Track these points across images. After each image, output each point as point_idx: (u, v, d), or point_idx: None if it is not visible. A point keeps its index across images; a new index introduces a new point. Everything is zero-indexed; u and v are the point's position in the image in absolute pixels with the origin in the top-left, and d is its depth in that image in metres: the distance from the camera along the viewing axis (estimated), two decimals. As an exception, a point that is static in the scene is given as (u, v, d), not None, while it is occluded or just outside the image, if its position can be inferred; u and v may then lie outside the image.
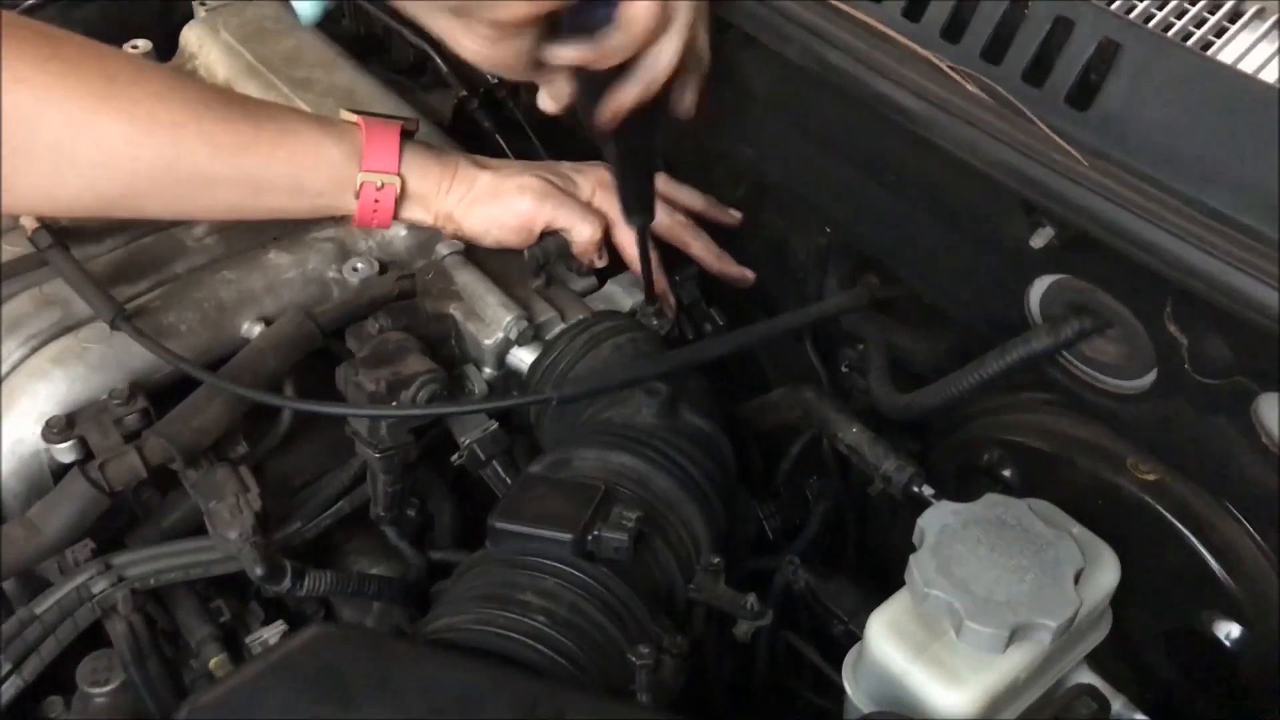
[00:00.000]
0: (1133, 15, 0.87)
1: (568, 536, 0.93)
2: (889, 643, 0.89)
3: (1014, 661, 0.86)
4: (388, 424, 1.12)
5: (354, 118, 1.20)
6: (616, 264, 1.31)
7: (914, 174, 0.97)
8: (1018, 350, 0.96)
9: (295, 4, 0.84)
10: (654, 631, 0.93)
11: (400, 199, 1.17)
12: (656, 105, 1.06)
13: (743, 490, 1.26)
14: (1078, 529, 0.93)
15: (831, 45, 0.90)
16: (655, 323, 1.28)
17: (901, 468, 1.10)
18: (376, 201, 1.15)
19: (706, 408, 1.16)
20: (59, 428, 1.11)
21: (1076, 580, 0.87)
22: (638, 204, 1.19)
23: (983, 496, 0.93)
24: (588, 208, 1.25)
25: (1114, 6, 0.88)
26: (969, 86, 0.87)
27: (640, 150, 1.15)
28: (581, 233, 1.22)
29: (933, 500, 1.04)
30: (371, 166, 1.14)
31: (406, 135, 1.18)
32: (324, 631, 0.84)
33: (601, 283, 1.31)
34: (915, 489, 1.09)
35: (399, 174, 1.15)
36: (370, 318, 1.19)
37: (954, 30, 0.90)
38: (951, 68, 0.88)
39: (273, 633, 1.14)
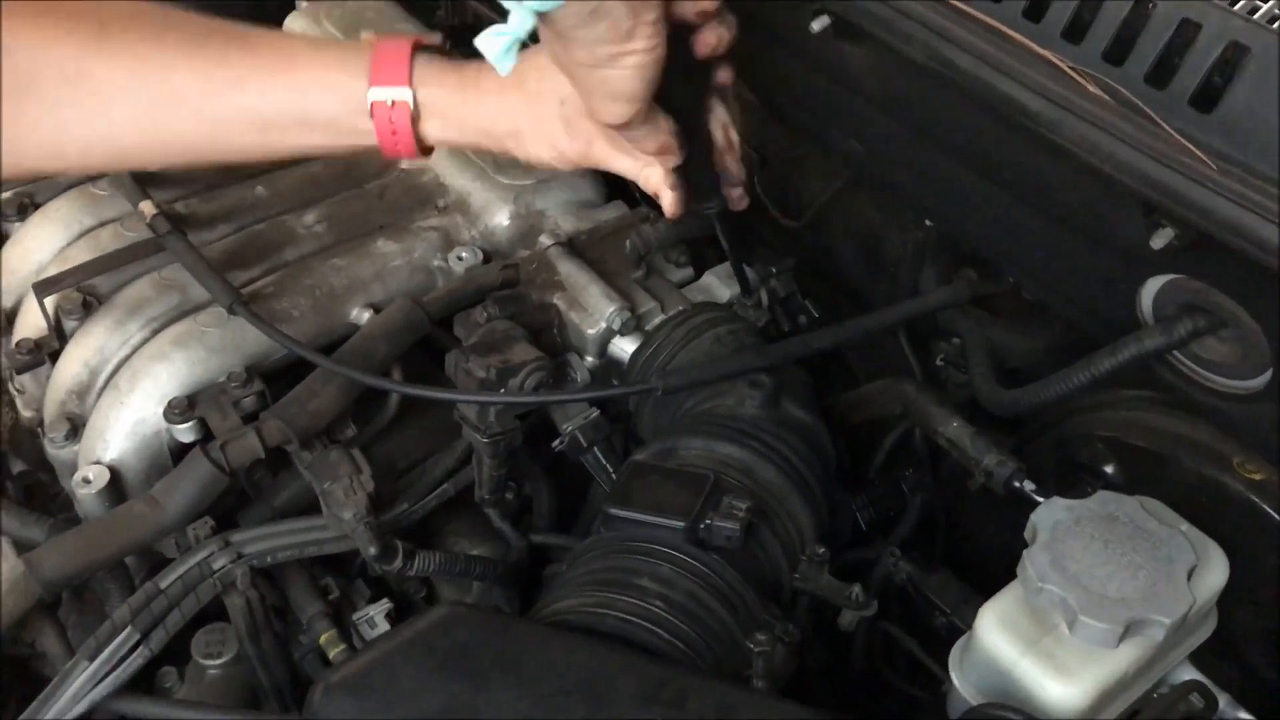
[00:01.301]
0: (1258, 16, 0.87)
1: (681, 524, 0.95)
2: (1000, 635, 0.90)
3: (1125, 657, 0.87)
4: (496, 410, 1.14)
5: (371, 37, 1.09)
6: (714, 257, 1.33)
7: (1030, 172, 0.97)
8: (1130, 349, 0.97)
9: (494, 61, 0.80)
10: (764, 619, 0.95)
11: (416, 116, 1.00)
12: (700, 75, 1.04)
13: (836, 482, 1.28)
14: (1187, 526, 0.94)
15: (954, 45, 0.91)
16: (752, 314, 1.29)
17: (1004, 463, 1.11)
18: (392, 122, 1.00)
19: (807, 400, 1.18)
20: (180, 409, 1.15)
21: (1189, 578, 0.87)
22: (707, 187, 1.12)
23: (1095, 493, 0.94)
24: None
25: (1237, 7, 0.89)
26: (1090, 88, 0.88)
27: (693, 125, 1.04)
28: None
29: (1035, 496, 1.05)
30: (379, 82, 1.00)
31: (422, 49, 1.01)
32: (453, 612, 0.86)
33: (698, 274, 1.33)
34: (1017, 484, 1.10)
35: (410, 87, 0.99)
36: (479, 306, 1.21)
37: (1075, 31, 0.90)
38: (1073, 68, 0.89)
39: (379, 610, 1.18)
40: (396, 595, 1.22)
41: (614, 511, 0.97)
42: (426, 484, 1.24)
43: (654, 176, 1.07)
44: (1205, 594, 0.90)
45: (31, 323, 1.27)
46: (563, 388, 1.18)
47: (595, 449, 1.20)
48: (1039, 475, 1.10)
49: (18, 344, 1.25)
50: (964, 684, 0.94)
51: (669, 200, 1.07)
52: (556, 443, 1.22)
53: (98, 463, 1.16)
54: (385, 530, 1.18)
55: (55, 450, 1.20)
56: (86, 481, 1.14)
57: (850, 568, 1.17)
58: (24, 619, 1.09)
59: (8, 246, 1.34)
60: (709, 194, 1.15)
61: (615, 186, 1.42)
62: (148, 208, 1.27)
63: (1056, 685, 0.87)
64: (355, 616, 1.17)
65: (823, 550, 1.03)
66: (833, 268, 1.45)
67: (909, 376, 1.25)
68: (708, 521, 0.96)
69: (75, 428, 1.20)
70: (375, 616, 1.18)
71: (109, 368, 1.21)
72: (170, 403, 1.15)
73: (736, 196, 1.10)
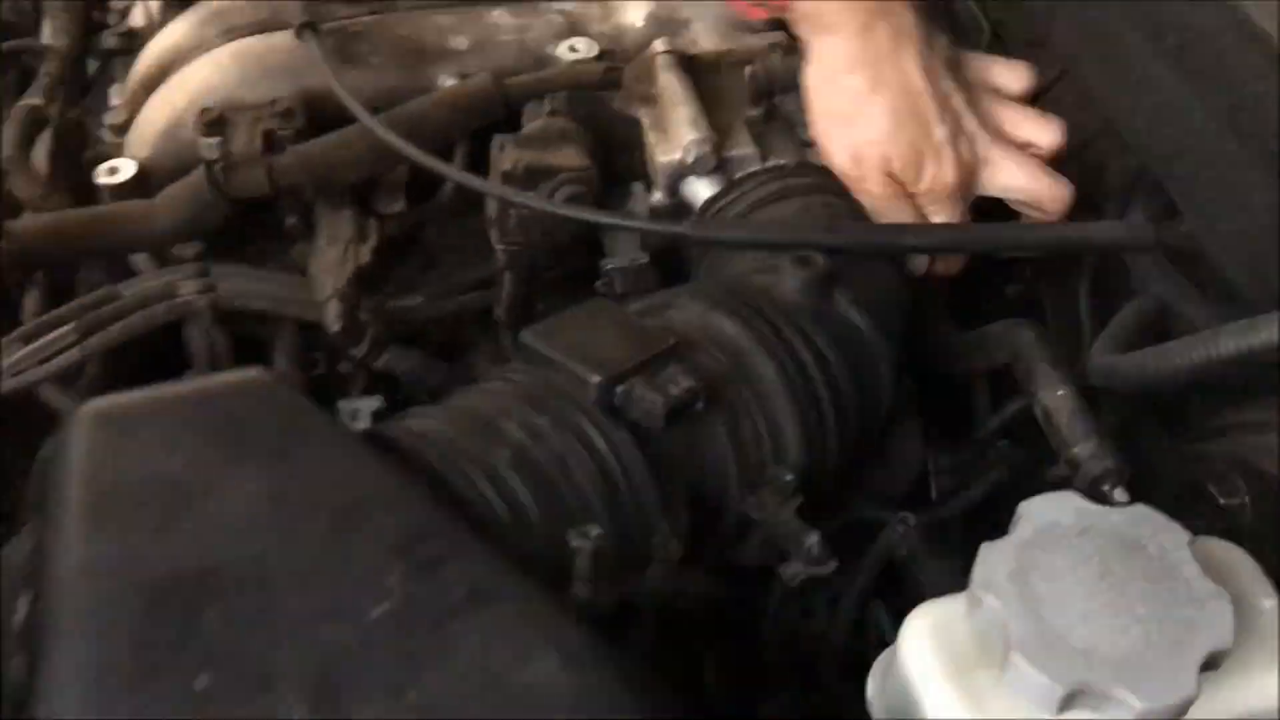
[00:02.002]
0: None
1: (595, 379, 0.75)
2: (926, 647, 0.64)
3: (1071, 737, 0.59)
4: (518, 215, 0.97)
5: None
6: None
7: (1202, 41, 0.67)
8: (1255, 336, 0.66)
9: None
10: (655, 523, 0.74)
11: None
12: None
13: (915, 429, 1.01)
14: (1270, 604, 0.64)
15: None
16: (877, 198, 1.03)
17: (1099, 456, 0.83)
18: None
19: (881, 309, 0.92)
20: (209, 120, 1.05)
21: (1203, 665, 0.58)
22: None
23: (1135, 506, 0.65)
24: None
25: None
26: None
27: None
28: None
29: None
30: None
31: None
32: (262, 381, 0.72)
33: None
34: (1105, 488, 0.82)
35: None
36: (547, 96, 1.04)
37: None
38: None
39: (368, 404, 1.05)
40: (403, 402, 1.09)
41: (526, 340, 0.78)
42: (450, 285, 1.09)
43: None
44: (1237, 706, 0.60)
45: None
46: (589, 209, 0.98)
47: (630, 299, 1.00)
48: (1149, 493, 0.81)
49: (114, 27, 1.20)
50: (877, 702, 0.69)
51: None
52: (599, 282, 1.03)
53: (132, 159, 1.09)
54: (387, 317, 1.05)
55: (109, 139, 1.15)
56: (111, 172, 1.08)
57: (866, 526, 0.93)
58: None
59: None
60: None
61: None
62: (263, -80, 1.17)
63: (967, 736, 0.61)
64: (340, 403, 1.05)
65: (791, 478, 0.79)
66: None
67: (1037, 320, 0.96)
68: (629, 386, 0.75)
69: (131, 121, 1.14)
70: (362, 409, 1.05)
71: (178, 67, 1.13)
72: (201, 111, 1.06)
73: None
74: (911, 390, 1.06)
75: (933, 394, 1.09)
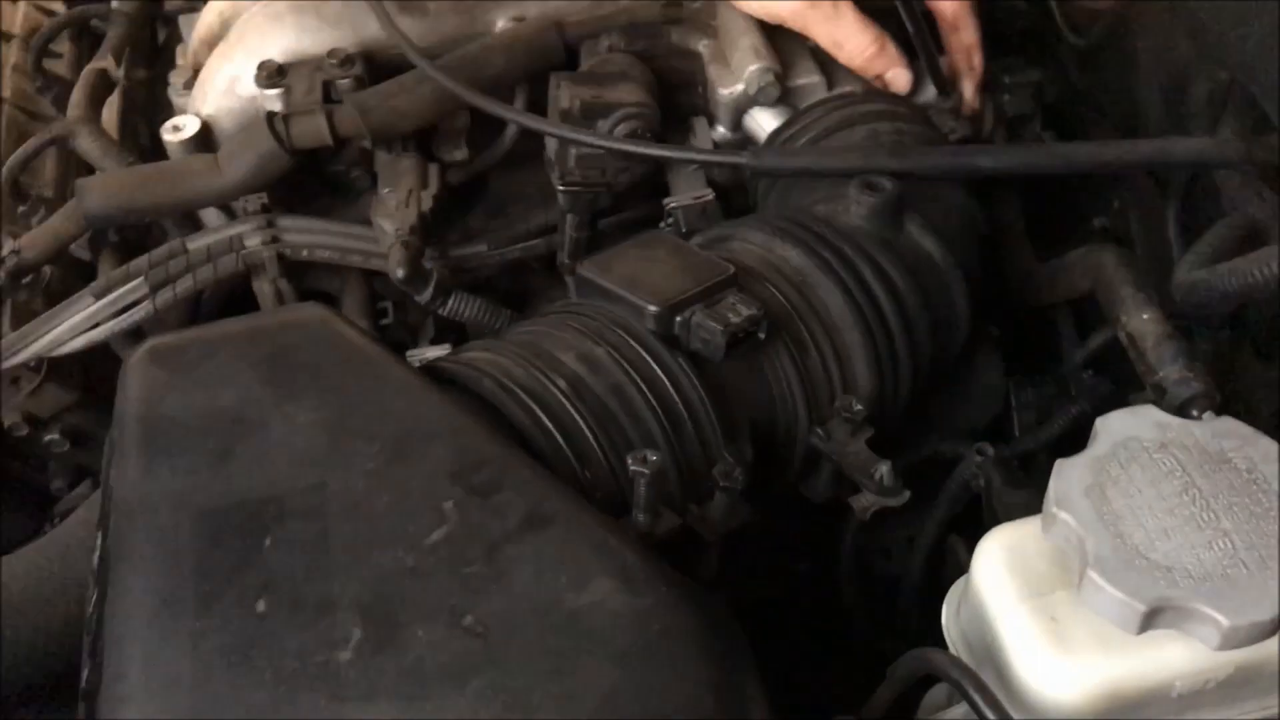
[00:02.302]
0: None
1: (653, 308, 0.73)
2: (1002, 570, 0.62)
3: (1155, 657, 0.56)
4: (577, 154, 0.96)
5: None
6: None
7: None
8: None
9: None
10: (718, 453, 0.72)
11: None
12: None
13: (996, 362, 0.98)
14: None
15: None
16: (951, 124, 1.00)
17: (1186, 380, 0.78)
18: None
19: (954, 235, 0.89)
20: (269, 73, 1.05)
21: (1298, 579, 0.55)
22: None
23: (1220, 419, 0.62)
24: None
25: None
26: None
27: None
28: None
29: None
30: None
31: None
32: (316, 315, 0.71)
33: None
34: (1194, 413, 0.78)
35: None
36: (604, 33, 1.02)
37: None
38: None
39: (435, 352, 1.04)
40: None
41: (583, 272, 0.77)
42: (516, 232, 1.08)
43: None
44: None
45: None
46: (648, 144, 0.96)
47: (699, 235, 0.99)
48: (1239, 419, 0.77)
49: (177, -17, 1.21)
50: (952, 630, 0.67)
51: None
52: (662, 223, 1.02)
53: (196, 115, 1.10)
54: (452, 264, 1.05)
55: (175, 97, 1.16)
56: (176, 129, 1.08)
57: (945, 461, 0.90)
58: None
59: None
60: None
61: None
62: None
63: (1043, 659, 0.58)
64: (409, 353, 1.05)
65: (860, 408, 0.77)
66: (1124, 109, 1.11)
67: (1116, 245, 0.91)
68: (688, 315, 0.73)
69: (195, 79, 1.15)
70: (430, 357, 1.04)
71: (239, 22, 1.13)
72: (261, 64, 1.05)
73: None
74: (993, 323, 1.03)
75: (1017, 328, 1.06)
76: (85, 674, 0.71)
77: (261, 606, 0.56)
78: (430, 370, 0.72)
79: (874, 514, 0.82)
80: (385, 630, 0.55)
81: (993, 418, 0.98)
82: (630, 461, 0.63)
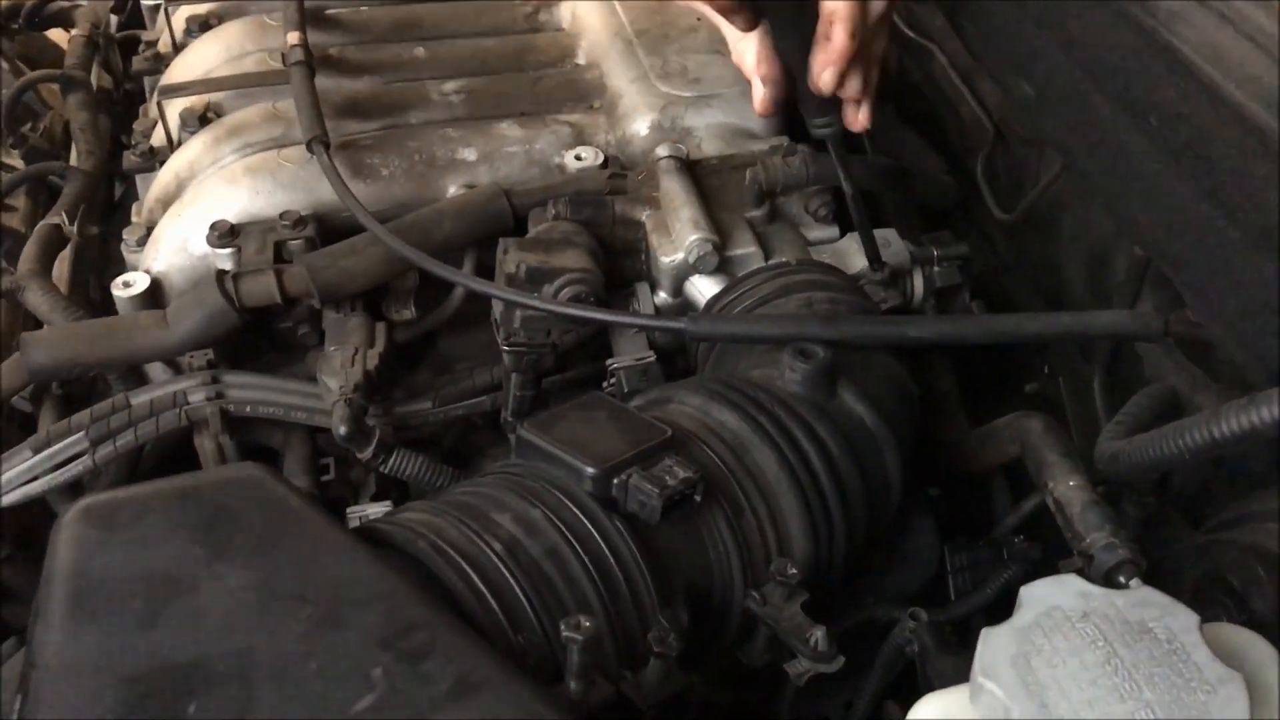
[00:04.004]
0: None
1: (590, 470, 0.74)
2: (928, 740, 0.62)
3: (1080, 832, 0.57)
4: (522, 316, 0.98)
5: None
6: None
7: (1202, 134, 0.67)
8: (1255, 413, 0.64)
9: None
10: (653, 619, 0.72)
11: None
12: None
13: (930, 527, 1.00)
14: (1285, 689, 0.61)
15: None
16: (880, 294, 1.04)
17: (1112, 546, 0.80)
18: None
19: (884, 401, 0.91)
20: (222, 233, 1.08)
21: (1219, 751, 0.56)
22: (820, 100, 0.95)
23: (1140, 589, 0.63)
24: None
25: None
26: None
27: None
28: None
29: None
30: None
31: None
32: (252, 477, 0.71)
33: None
34: (1120, 579, 0.79)
35: None
36: (550, 202, 1.05)
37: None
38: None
39: (376, 510, 1.04)
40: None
41: (524, 434, 0.78)
42: (459, 390, 1.09)
43: (747, 52, 1.00)
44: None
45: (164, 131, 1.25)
46: (592, 308, 0.99)
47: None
48: (1167, 585, 0.78)
49: (135, 145, 1.24)
50: (887, 797, 0.67)
51: (755, 93, 1.01)
52: (605, 383, 1.03)
53: (146, 272, 1.11)
54: (396, 421, 1.06)
55: (127, 254, 1.17)
56: (126, 285, 1.10)
57: (880, 626, 0.91)
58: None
59: (179, 58, 1.33)
60: (823, 108, 0.94)
61: (794, 126, 1.20)
62: (292, 38, 1.21)
63: (972, 832, 0.58)
64: (350, 510, 1.05)
65: (794, 572, 0.78)
66: (1049, 281, 1.16)
67: (1045, 412, 0.94)
68: (625, 477, 0.74)
69: (148, 236, 1.17)
70: (371, 515, 1.04)
71: (194, 183, 1.16)
72: (214, 224, 1.08)
73: (856, 116, 0.90)
74: (927, 489, 1.05)
75: (951, 493, 1.08)
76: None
77: (183, 777, 0.55)
78: (366, 531, 0.73)
79: (811, 680, 0.82)
80: (309, 802, 0.54)
81: (928, 581, 0.99)
82: (564, 628, 0.63)
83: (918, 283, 1.08)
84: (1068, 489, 0.86)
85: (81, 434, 1.00)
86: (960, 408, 1.11)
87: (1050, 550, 0.97)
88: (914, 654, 0.83)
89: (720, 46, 1.23)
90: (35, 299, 1.11)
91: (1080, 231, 1.12)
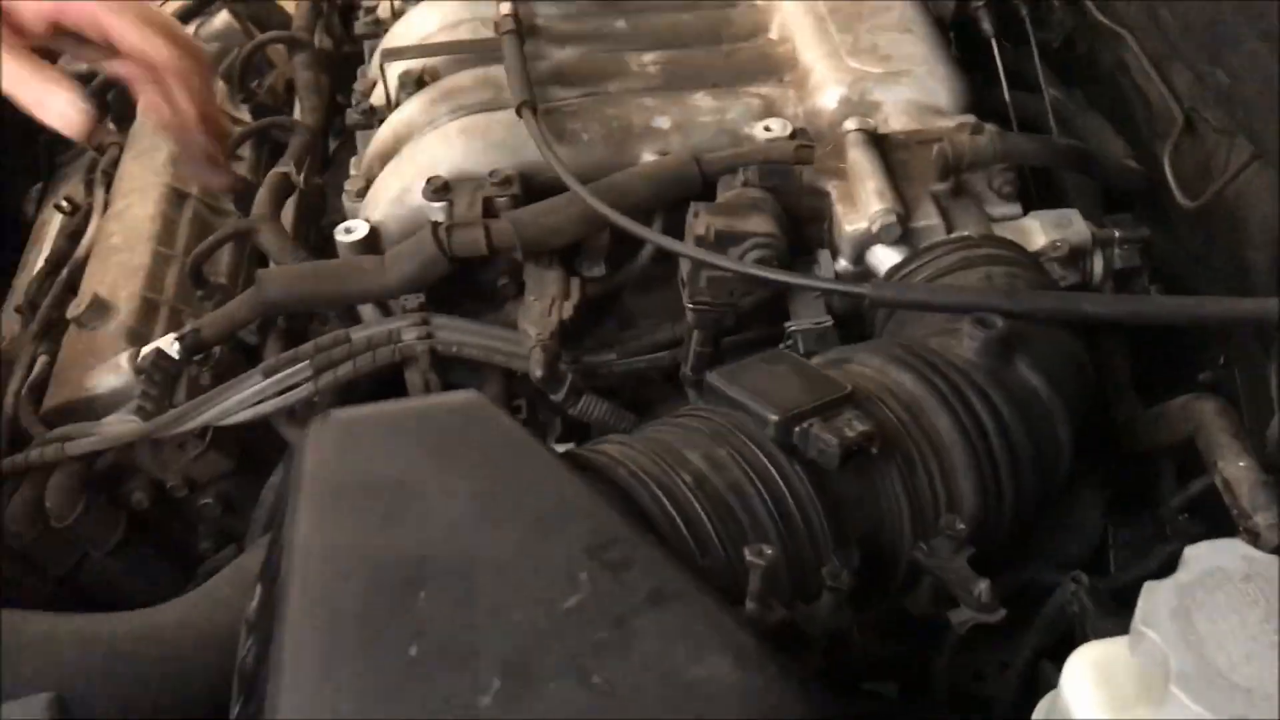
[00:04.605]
0: None
1: (773, 416, 0.80)
2: (1087, 684, 0.66)
3: (1231, 776, 0.60)
4: (708, 277, 1.04)
5: None
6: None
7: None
8: None
9: None
10: (827, 556, 0.78)
11: None
12: None
13: (1096, 500, 1.03)
14: None
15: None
16: (1061, 272, 1.06)
17: (1278, 527, 0.83)
18: None
19: (1059, 375, 0.94)
20: (436, 187, 1.17)
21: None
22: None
23: (1307, 556, 0.66)
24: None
25: None
26: None
27: None
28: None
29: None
30: None
31: None
32: (474, 401, 0.80)
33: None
34: (1288, 560, 0.81)
35: None
36: (740, 169, 1.11)
37: None
38: None
39: (562, 450, 1.12)
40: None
41: (712, 380, 0.84)
42: (643, 344, 1.17)
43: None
44: None
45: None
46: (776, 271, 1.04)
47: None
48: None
49: (356, 103, 1.34)
50: (1040, 736, 0.71)
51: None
52: (783, 344, 1.09)
53: (366, 220, 1.21)
54: (583, 370, 1.14)
55: (348, 203, 1.28)
56: (348, 232, 1.20)
57: (1041, 589, 0.94)
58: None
59: (397, 24, 1.43)
60: None
61: (982, 105, 1.23)
62: (504, 8, 1.30)
63: (1124, 772, 0.62)
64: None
65: (961, 526, 0.82)
66: (1232, 270, 1.16)
67: (1219, 394, 0.96)
68: (806, 426, 0.80)
69: (367, 188, 1.27)
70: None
71: (410, 141, 1.26)
72: (429, 180, 1.17)
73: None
74: (1095, 464, 1.07)
75: (1120, 472, 1.10)
76: (236, 711, 0.79)
77: (414, 651, 0.63)
78: (571, 457, 0.80)
79: (967, 638, 0.86)
80: (522, 682, 0.62)
81: (1089, 553, 1.02)
82: (747, 553, 0.69)
83: (1097, 264, 1.10)
84: (1238, 469, 0.88)
85: (306, 363, 1.10)
86: (1132, 389, 1.13)
87: (1215, 533, 0.98)
88: (1075, 614, 0.87)
89: (911, 25, 1.27)
90: (268, 239, 1.23)
91: (1268, 222, 1.12)
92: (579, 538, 0.69)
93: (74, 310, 1.24)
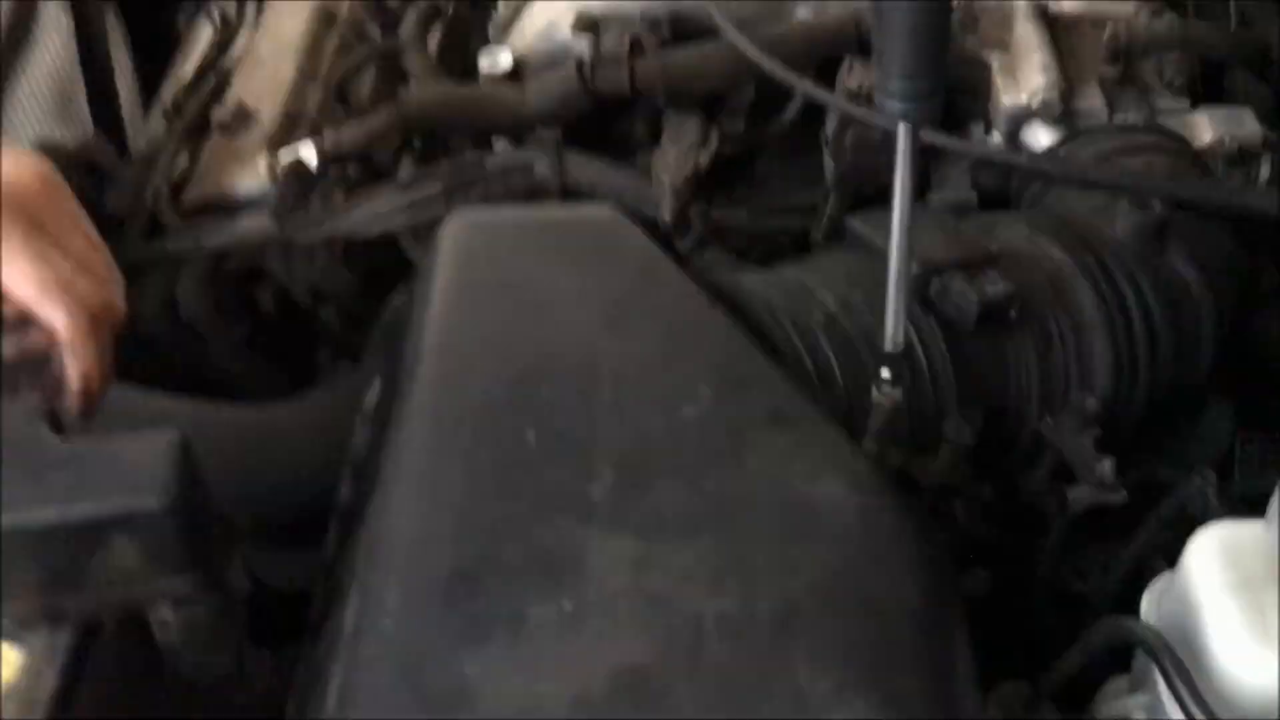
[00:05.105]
0: None
1: (915, 269, 0.78)
2: (1211, 561, 0.64)
3: (1358, 664, 0.58)
4: (855, 136, 1.01)
5: None
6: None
7: None
8: None
9: None
10: (950, 412, 0.76)
11: None
12: None
13: (1227, 411, 0.98)
14: None
15: None
16: (1226, 171, 1.01)
17: None
18: None
19: (1212, 271, 0.90)
20: (585, 23, 1.15)
21: None
22: None
23: None
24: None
25: None
26: None
27: None
28: None
29: None
30: None
31: None
32: (612, 216, 0.79)
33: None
34: None
35: None
36: (894, 32, 1.06)
37: None
38: None
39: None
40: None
41: (853, 223, 0.82)
42: (778, 205, 1.15)
43: None
44: None
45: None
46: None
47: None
48: None
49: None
50: (1150, 620, 0.69)
51: None
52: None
53: (511, 51, 1.20)
54: (712, 225, 1.12)
55: (494, 33, 1.27)
56: (492, 62, 1.19)
57: (1162, 488, 0.91)
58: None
59: None
60: None
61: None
62: None
63: (1247, 650, 0.60)
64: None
65: (1092, 403, 0.79)
66: None
67: None
68: (946, 280, 0.77)
69: (514, 20, 1.25)
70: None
71: (567, -26, 1.23)
72: (579, 13, 1.15)
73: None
74: (1234, 378, 1.03)
75: (1254, 387, 1.06)
76: (345, 496, 0.80)
77: (531, 438, 0.64)
78: (704, 282, 0.79)
79: (1076, 526, 0.84)
80: (634, 478, 0.62)
81: (1215, 464, 0.98)
82: (874, 390, 0.68)
83: (1265, 167, 1.04)
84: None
85: (438, 183, 1.10)
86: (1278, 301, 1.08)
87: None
88: (1197, 514, 0.83)
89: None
90: (412, 62, 1.22)
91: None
92: (704, 354, 0.69)
93: (219, 115, 1.25)
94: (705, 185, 1.11)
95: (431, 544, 0.60)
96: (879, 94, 0.61)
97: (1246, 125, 1.03)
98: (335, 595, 0.70)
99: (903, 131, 0.61)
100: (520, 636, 0.55)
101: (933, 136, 0.96)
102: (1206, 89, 1.16)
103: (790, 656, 0.54)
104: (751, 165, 1.22)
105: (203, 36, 1.51)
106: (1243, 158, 1.03)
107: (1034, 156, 0.92)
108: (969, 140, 1.04)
